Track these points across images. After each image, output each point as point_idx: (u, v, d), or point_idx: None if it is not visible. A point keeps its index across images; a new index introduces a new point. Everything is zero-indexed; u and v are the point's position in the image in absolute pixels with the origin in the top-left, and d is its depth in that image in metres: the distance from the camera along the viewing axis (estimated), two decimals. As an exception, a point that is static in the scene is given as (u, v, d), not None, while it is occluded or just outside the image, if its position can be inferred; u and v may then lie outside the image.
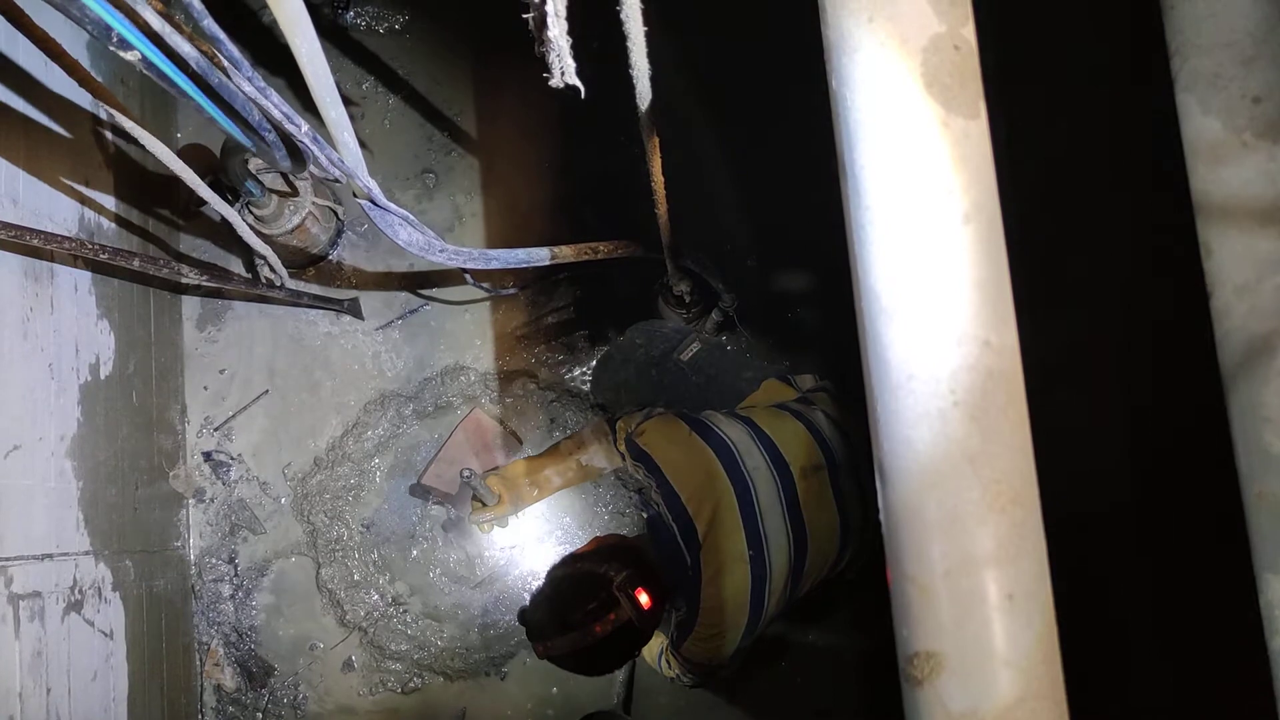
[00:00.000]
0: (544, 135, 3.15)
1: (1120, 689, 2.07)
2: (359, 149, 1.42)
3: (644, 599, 2.06)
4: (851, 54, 0.90)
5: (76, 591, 2.38)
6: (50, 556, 2.30)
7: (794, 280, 3.13)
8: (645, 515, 2.40)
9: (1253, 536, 1.04)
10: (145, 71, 1.15)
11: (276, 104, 1.25)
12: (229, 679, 2.99)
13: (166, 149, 1.69)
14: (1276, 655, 1.01)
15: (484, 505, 2.54)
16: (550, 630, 2.09)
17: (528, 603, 2.22)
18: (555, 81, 1.29)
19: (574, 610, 2.06)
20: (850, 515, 2.35)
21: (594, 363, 3.10)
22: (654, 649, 2.50)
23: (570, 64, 1.26)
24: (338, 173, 1.53)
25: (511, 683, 3.01)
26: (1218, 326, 1.05)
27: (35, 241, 2.01)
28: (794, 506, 2.23)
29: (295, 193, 2.74)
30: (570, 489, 2.82)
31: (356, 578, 3.03)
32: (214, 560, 3.03)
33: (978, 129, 0.90)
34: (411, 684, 3.00)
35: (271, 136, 1.51)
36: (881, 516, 0.91)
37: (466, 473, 2.46)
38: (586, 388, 3.09)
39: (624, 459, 2.38)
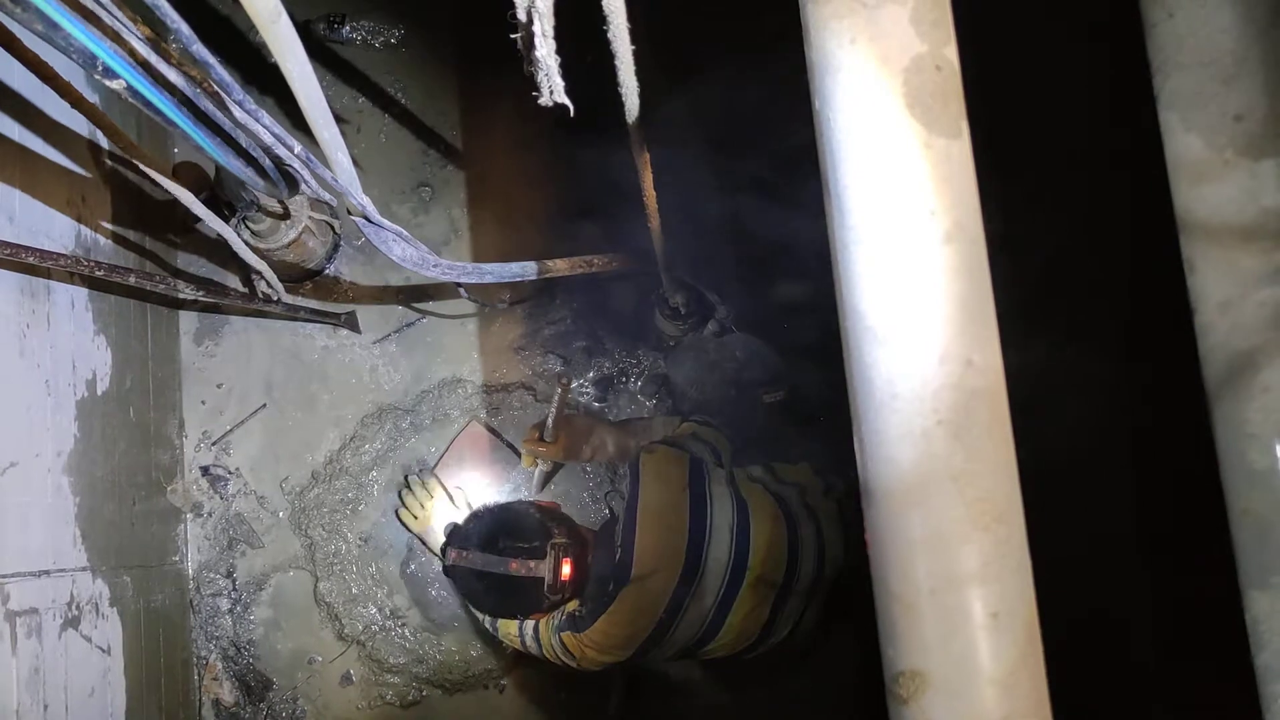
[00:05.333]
0: (540, 149, 3.16)
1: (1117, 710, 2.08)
2: (352, 167, 1.43)
3: (566, 570, 2.15)
4: (834, 75, 0.91)
5: (74, 607, 2.38)
6: (47, 573, 2.30)
7: (790, 291, 3.13)
8: (607, 511, 2.43)
9: (1237, 553, 1.05)
10: (132, 100, 1.16)
11: (268, 126, 1.26)
12: (227, 693, 2.99)
13: (158, 171, 1.70)
14: (1262, 671, 1.02)
15: (541, 439, 2.53)
16: (473, 542, 2.19)
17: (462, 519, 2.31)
18: (544, 100, 1.29)
19: (506, 538, 2.17)
20: (774, 632, 2.40)
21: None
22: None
23: (559, 83, 1.27)
24: (328, 195, 1.54)
25: (510, 696, 3.01)
26: (1202, 343, 1.06)
27: (31, 259, 2.02)
28: (724, 606, 2.27)
29: (288, 213, 2.75)
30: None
31: (354, 591, 3.03)
32: (212, 574, 3.04)
33: (960, 149, 0.91)
34: (410, 697, 3.00)
35: (264, 161, 1.52)
36: (867, 535, 0.92)
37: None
38: (584, 399, 3.09)
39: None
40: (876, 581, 0.90)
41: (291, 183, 1.59)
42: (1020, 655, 0.86)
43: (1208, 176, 1.04)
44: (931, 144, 0.89)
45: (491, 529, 2.22)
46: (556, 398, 2.45)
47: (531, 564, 2.12)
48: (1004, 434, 0.88)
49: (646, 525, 2.20)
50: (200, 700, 3.00)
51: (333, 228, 3.06)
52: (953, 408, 0.86)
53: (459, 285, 2.56)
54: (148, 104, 1.17)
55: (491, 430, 3.04)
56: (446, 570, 2.26)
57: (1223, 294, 1.02)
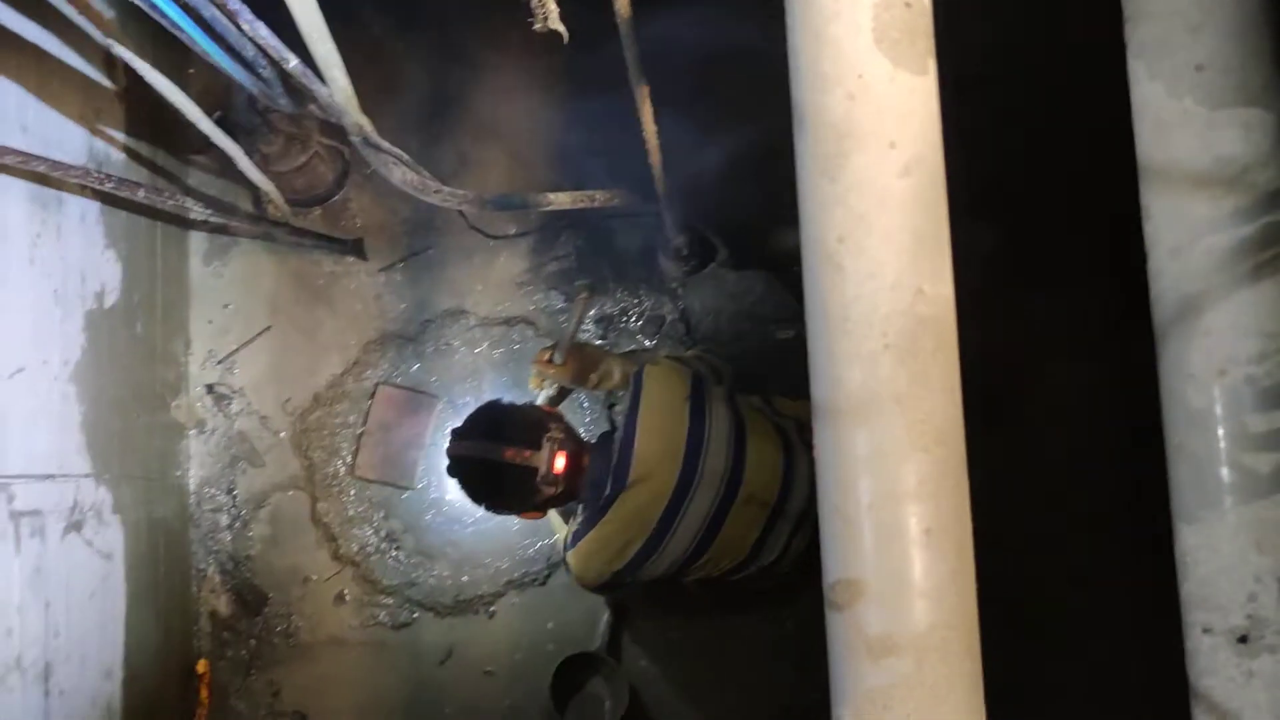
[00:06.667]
0: (550, 83, 3.16)
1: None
2: (349, 85, 1.46)
3: (560, 463, 2.23)
4: (806, 7, 0.93)
5: (77, 512, 2.45)
6: (52, 477, 2.36)
7: (793, 238, 3.14)
8: (609, 424, 2.47)
9: (1172, 488, 1.09)
10: (139, 3, 1.19)
11: (264, 38, 1.29)
12: (224, 605, 3.07)
13: (169, 83, 1.74)
14: (1186, 599, 1.06)
15: (550, 359, 2.58)
16: (474, 431, 2.28)
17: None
18: (539, 26, 1.32)
19: (505, 428, 2.26)
20: (762, 554, 2.43)
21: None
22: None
23: (553, 8, 1.30)
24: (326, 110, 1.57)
25: (499, 622, 3.08)
26: (1153, 286, 1.09)
27: (41, 168, 2.06)
28: (717, 520, 2.31)
29: (302, 132, 2.78)
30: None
31: (351, 513, 3.10)
32: (213, 490, 3.11)
33: (924, 85, 0.94)
34: (402, 619, 3.07)
35: (268, 73, 1.55)
36: (815, 453, 0.96)
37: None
38: (584, 336, 3.13)
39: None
40: (821, 495, 0.94)
41: (299, 96, 1.63)
42: (951, 571, 0.90)
43: (1167, 125, 1.07)
44: (896, 78, 0.92)
45: (490, 418, 2.31)
46: (576, 311, 2.47)
47: (526, 453, 2.20)
48: (949, 360, 0.92)
49: (646, 431, 2.25)
50: (198, 611, 3.08)
51: (342, 154, 3.09)
52: (901, 333, 0.90)
53: (463, 214, 2.59)
54: (154, 8, 1.20)
55: (400, 386, 3.12)
56: (448, 469, 2.32)
57: (1174, 240, 1.05)
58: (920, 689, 0.88)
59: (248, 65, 1.48)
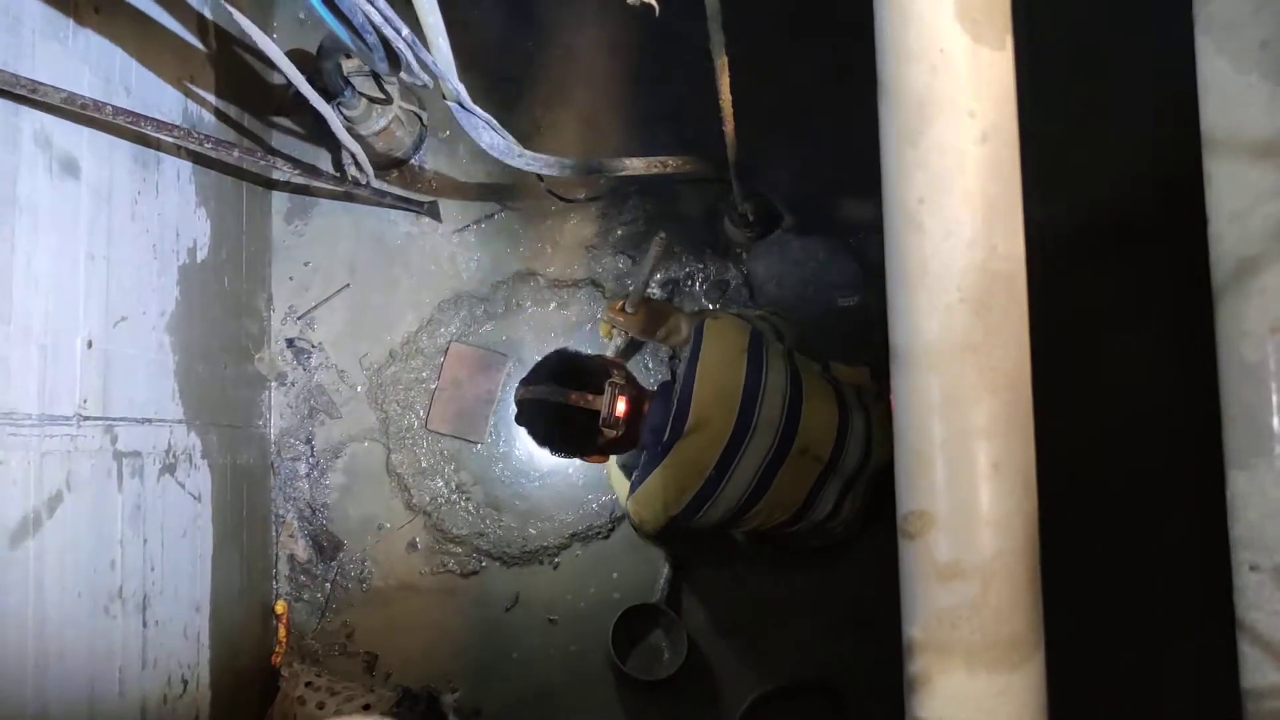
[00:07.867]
0: (624, 52, 3.25)
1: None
2: (451, 54, 1.55)
3: (621, 407, 2.36)
4: (893, -15, 1.01)
5: (170, 455, 2.59)
6: (149, 421, 2.50)
7: (858, 207, 3.20)
8: (668, 374, 2.56)
9: (1225, 437, 1.16)
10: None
11: (382, 8, 1.38)
12: (301, 550, 3.22)
13: (274, 45, 1.84)
14: (1235, 541, 1.14)
15: (623, 309, 2.70)
16: (540, 376, 2.43)
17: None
18: (632, 0, 1.41)
19: (570, 373, 2.40)
20: (814, 508, 2.51)
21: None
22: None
23: (647, -17, 1.38)
24: (426, 78, 1.67)
25: (563, 572, 3.20)
26: (1212, 250, 1.16)
27: (148, 129, 2.18)
28: (771, 471, 2.40)
29: (385, 96, 2.88)
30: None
31: (424, 465, 3.23)
32: (292, 440, 3.24)
33: (1002, 59, 1.01)
34: (470, 567, 3.20)
35: (372, 39, 1.65)
36: (893, 396, 1.04)
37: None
38: (652, 296, 3.21)
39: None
40: (897, 436, 1.03)
41: (395, 62, 1.72)
42: (1016, 503, 0.98)
43: (1232, 98, 1.14)
44: (976, 53, 1.00)
45: (557, 365, 2.45)
46: (649, 261, 2.56)
47: (589, 397, 2.34)
48: (1020, 312, 1.00)
49: (704, 380, 2.35)
50: (277, 554, 3.23)
51: (420, 119, 3.19)
52: (975, 287, 0.98)
53: (540, 177, 2.69)
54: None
55: (472, 345, 3.24)
56: (516, 418, 2.47)
57: (1234, 206, 1.12)
58: (985, 609, 0.97)
59: (354, 30, 1.58)
